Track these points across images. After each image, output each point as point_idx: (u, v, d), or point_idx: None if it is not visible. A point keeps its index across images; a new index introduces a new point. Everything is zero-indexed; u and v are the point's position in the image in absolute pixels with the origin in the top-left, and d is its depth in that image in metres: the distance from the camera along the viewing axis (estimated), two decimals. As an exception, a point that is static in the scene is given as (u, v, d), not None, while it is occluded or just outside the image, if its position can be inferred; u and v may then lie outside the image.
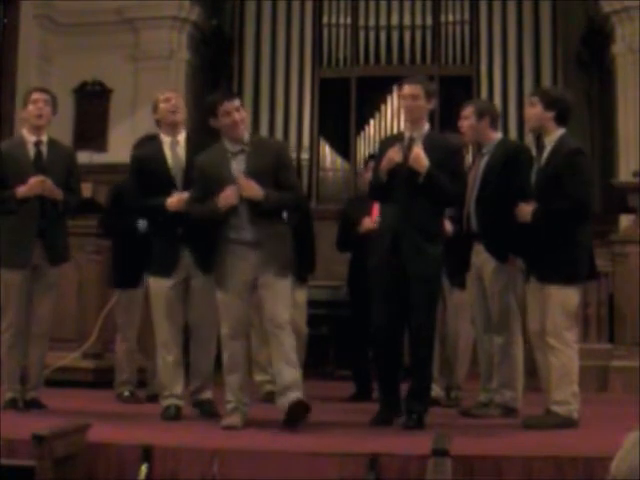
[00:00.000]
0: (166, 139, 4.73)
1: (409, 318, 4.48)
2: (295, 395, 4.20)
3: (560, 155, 4.44)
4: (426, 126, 4.63)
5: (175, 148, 4.71)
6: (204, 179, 4.40)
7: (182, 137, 4.76)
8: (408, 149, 4.48)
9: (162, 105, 4.76)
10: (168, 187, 4.60)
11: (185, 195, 4.55)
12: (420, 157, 4.40)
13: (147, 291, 5.36)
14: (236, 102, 4.41)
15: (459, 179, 4.55)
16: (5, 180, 4.82)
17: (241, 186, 4.25)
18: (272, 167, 4.36)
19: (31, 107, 4.92)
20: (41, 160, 4.90)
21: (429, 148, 4.46)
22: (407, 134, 4.61)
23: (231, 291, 4.32)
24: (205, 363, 4.74)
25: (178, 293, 4.64)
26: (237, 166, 4.35)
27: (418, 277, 4.40)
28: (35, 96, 4.95)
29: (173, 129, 4.74)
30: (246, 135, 4.45)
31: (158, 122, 4.83)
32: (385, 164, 4.48)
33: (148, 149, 4.81)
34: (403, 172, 4.44)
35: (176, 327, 4.65)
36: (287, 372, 4.24)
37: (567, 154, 4.44)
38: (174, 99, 4.77)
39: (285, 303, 4.31)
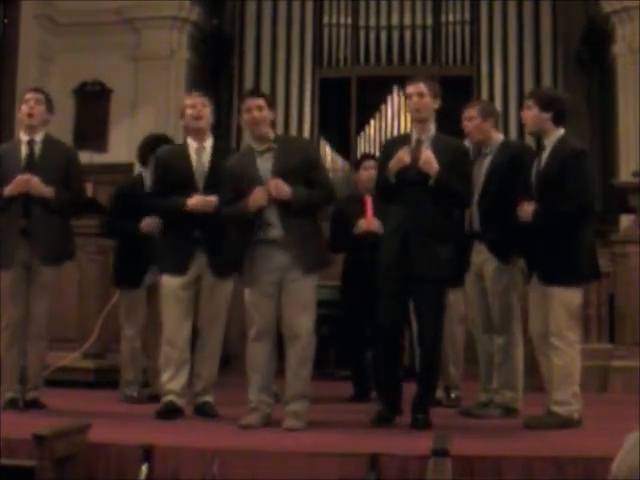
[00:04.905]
0: (193, 144, 4.75)
1: (416, 321, 4.49)
2: (291, 408, 4.29)
3: (562, 156, 4.42)
4: (433, 127, 4.59)
5: (201, 154, 4.73)
6: (233, 180, 4.41)
7: (209, 143, 4.76)
8: (416, 151, 4.45)
9: (188, 111, 4.76)
10: (190, 191, 4.63)
11: (209, 198, 4.58)
12: (431, 160, 4.37)
13: (150, 291, 5.40)
14: (259, 100, 4.42)
15: (467, 181, 4.55)
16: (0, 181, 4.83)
17: (270, 187, 4.26)
18: (301, 165, 4.36)
19: (23, 107, 4.95)
20: (32, 159, 4.89)
21: (438, 150, 4.43)
22: (414, 136, 4.56)
23: (259, 292, 4.34)
24: (210, 366, 4.75)
25: (189, 292, 4.66)
26: (264, 165, 4.37)
27: (425, 279, 4.37)
28: (27, 96, 4.98)
29: (198, 135, 4.74)
30: (271, 134, 4.46)
31: (186, 128, 4.83)
32: (394, 165, 4.43)
33: (174, 152, 4.83)
34: (411, 174, 4.41)
35: (185, 326, 4.66)
36: (292, 384, 4.33)
37: (572, 155, 4.42)
38: (199, 105, 4.74)
39: (306, 310, 4.34)
